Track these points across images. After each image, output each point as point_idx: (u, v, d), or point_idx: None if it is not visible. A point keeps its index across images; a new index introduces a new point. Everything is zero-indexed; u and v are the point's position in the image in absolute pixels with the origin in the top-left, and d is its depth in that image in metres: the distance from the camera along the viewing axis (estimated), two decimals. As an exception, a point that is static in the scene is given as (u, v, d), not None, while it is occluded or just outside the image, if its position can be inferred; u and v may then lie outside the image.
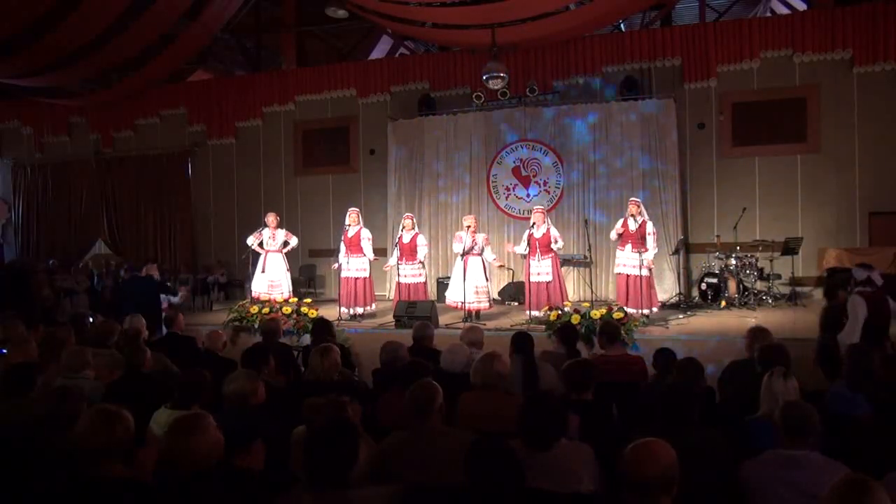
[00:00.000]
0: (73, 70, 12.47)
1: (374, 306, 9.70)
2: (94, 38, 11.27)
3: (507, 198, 11.67)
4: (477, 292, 8.92)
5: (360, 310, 9.42)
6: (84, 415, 2.77)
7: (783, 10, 12.36)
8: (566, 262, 10.78)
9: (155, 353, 5.04)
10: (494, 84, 10.85)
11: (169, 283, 10.22)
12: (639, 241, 8.55)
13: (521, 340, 5.01)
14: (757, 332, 5.02)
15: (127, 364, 4.62)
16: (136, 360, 4.62)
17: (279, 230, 10.13)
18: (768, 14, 12.66)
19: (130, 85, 13.67)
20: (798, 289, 9.99)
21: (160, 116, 14.33)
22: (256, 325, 8.48)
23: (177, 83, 14.45)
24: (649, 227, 8.69)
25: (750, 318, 8.49)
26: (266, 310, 8.76)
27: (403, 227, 9.51)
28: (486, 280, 9.17)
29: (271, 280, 9.98)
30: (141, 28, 11.33)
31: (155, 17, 11.18)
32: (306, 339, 8.17)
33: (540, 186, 11.49)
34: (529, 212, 11.24)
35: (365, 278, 9.48)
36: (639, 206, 8.79)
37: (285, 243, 10.19)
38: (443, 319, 8.79)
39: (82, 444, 2.63)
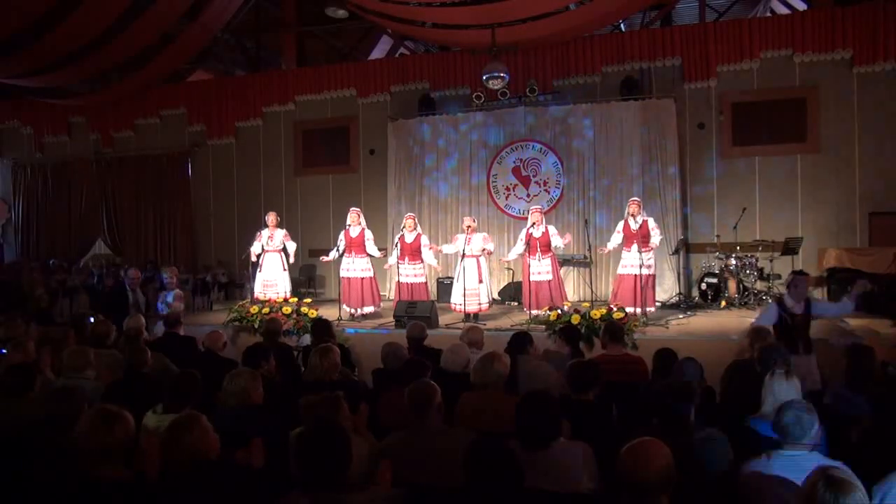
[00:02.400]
0: (73, 70, 12.48)
1: (381, 305, 9.72)
2: (94, 38, 11.28)
3: (507, 198, 11.68)
4: (466, 294, 8.89)
5: (368, 309, 9.45)
6: (84, 415, 2.77)
7: (783, 10, 12.36)
8: (566, 262, 10.80)
9: (155, 354, 5.05)
10: (494, 84, 10.85)
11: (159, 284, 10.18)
12: (641, 240, 8.55)
13: (516, 341, 5.03)
14: (757, 333, 5.02)
15: (127, 364, 4.62)
16: (137, 360, 4.62)
17: (278, 230, 10.12)
18: (768, 14, 12.65)
19: (130, 85, 13.68)
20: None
21: (160, 116, 14.34)
22: (256, 325, 8.48)
23: (177, 83, 14.47)
24: (651, 223, 8.71)
25: (750, 319, 8.49)
26: (266, 310, 8.75)
27: (405, 227, 9.50)
28: (480, 282, 9.11)
29: (266, 280, 9.97)
30: (141, 28, 11.33)
31: (155, 18, 11.18)
32: (306, 339, 8.17)
33: (540, 186, 11.49)
34: (529, 212, 11.29)
35: (369, 278, 9.50)
36: (639, 206, 8.80)
37: (285, 246, 10.14)
38: (443, 319, 8.80)
39: (82, 444, 2.63)
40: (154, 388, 4.00)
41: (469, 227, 9.13)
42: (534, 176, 11.54)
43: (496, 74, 10.70)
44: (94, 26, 10.95)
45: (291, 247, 10.13)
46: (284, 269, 10.07)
